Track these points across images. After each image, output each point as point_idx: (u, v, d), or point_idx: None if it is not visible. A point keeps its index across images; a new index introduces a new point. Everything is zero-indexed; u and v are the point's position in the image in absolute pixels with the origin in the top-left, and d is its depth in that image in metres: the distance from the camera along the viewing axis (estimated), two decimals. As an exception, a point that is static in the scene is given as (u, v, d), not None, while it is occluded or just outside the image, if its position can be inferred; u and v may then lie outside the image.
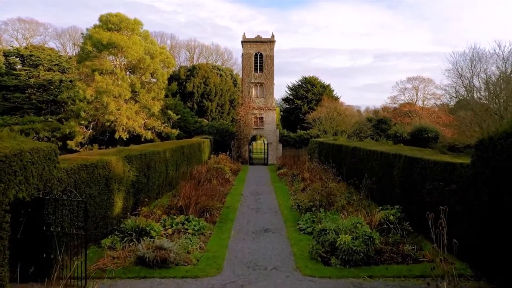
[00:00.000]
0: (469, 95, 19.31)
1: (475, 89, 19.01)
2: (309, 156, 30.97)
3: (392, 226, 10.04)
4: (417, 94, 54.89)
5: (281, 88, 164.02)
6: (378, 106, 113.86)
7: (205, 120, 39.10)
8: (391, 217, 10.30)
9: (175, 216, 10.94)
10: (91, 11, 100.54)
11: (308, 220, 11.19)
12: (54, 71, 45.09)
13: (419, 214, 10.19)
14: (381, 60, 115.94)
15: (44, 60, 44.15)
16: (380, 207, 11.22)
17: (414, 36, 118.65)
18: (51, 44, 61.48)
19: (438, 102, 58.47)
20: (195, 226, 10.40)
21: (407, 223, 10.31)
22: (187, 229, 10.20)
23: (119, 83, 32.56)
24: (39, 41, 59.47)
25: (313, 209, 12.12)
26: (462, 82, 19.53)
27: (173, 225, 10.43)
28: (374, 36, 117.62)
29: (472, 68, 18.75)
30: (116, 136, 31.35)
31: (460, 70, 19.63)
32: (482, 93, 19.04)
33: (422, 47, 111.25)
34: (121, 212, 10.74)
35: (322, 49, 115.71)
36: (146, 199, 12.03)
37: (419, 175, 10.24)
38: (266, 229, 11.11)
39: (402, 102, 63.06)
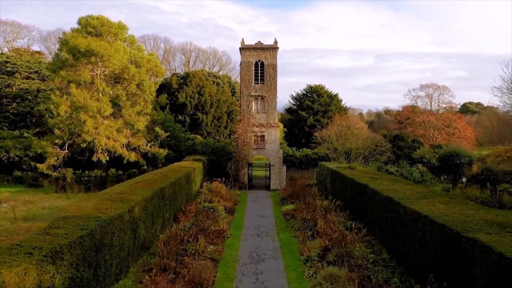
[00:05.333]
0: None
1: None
2: (318, 183, 26.72)
3: None
4: (431, 103, 50.63)
5: (281, 90, 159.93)
6: (380, 108, 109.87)
7: (198, 136, 34.73)
8: None
9: None
10: (94, 12, 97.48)
11: None
12: (33, 79, 40.79)
13: None
14: (382, 61, 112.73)
15: (22, 67, 39.84)
16: None
17: (415, 36, 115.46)
18: (36, 48, 57.30)
19: (453, 110, 54.32)
20: None
21: None
22: None
23: (99, 96, 28.27)
24: (22, 45, 55.36)
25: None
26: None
27: None
28: (376, 36, 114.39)
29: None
30: (94, 158, 27.01)
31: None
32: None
33: (422, 48, 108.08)
34: None
35: (324, 49, 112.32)
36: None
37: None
38: None
39: (405, 105, 59.21)
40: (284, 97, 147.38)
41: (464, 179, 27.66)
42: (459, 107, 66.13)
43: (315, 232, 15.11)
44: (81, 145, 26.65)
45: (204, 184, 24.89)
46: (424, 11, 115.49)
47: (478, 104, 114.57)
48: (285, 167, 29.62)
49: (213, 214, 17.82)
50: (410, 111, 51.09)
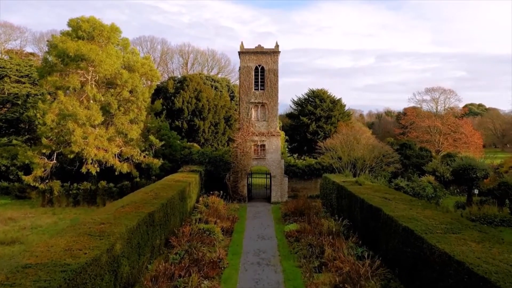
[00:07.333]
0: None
1: None
2: (322, 197, 25.10)
3: None
4: (436, 108, 49.01)
5: (281, 91, 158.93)
6: (381, 109, 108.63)
7: (195, 145, 33.09)
8: None
9: None
10: (95, 12, 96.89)
11: None
12: (23, 83, 39.11)
13: None
14: (382, 61, 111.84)
15: (11, 71, 38.16)
16: None
17: (415, 36, 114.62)
18: (29, 50, 55.68)
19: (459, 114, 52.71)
20: None
21: None
22: None
23: (90, 103, 26.62)
24: (14, 47, 53.76)
25: None
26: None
27: None
28: (376, 37, 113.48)
29: None
30: (83, 170, 25.35)
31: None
32: None
33: (422, 48, 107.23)
34: None
35: (324, 49, 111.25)
36: None
37: None
38: None
39: (407, 107, 57.84)
40: (284, 98, 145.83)
41: (476, 191, 26.04)
42: (461, 107, 64.51)
43: (322, 262, 13.49)
44: (69, 156, 24.99)
45: (201, 199, 23.30)
46: (424, 11, 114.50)
47: (480, 105, 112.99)
48: (287, 178, 27.99)
49: (209, 238, 16.21)
50: (415, 115, 49.49)
